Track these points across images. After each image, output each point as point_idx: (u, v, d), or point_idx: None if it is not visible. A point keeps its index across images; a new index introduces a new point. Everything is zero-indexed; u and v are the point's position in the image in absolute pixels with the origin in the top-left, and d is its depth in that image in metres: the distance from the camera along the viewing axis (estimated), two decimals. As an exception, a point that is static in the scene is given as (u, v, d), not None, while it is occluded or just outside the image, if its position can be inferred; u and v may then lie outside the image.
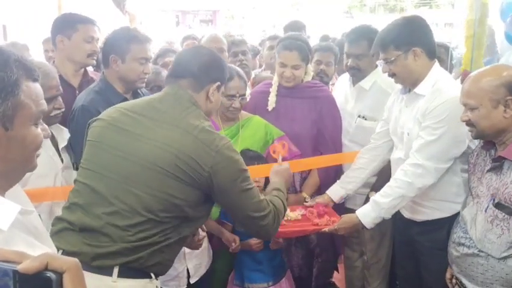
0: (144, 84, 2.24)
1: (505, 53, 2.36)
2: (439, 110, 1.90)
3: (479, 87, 1.66)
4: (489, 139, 1.76)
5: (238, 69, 2.40)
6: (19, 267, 0.60)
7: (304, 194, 2.48)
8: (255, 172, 2.24)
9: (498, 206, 1.66)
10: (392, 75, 2.05)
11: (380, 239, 2.63)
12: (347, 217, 2.15)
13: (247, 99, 2.40)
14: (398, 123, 2.16)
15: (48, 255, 0.62)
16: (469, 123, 1.73)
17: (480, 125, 1.69)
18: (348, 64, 2.51)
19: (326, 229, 2.11)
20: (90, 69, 2.66)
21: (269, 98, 2.52)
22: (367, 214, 2.05)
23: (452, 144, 1.94)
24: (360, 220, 2.06)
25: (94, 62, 2.48)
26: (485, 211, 1.71)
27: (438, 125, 1.90)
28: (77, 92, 2.37)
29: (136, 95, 2.26)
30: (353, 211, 2.18)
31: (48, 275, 0.60)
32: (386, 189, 2.04)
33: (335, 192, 2.38)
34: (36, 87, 0.94)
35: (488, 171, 1.74)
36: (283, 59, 2.43)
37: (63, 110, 2.03)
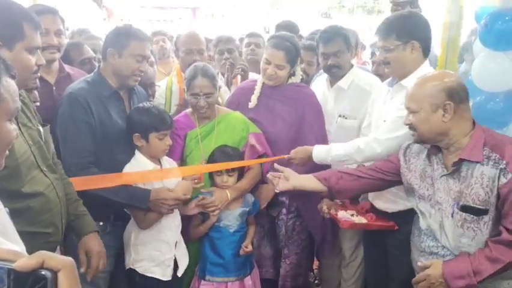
0: (137, 82, 2.19)
1: (479, 54, 2.41)
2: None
3: (421, 91, 1.71)
4: (429, 143, 1.79)
5: (208, 67, 2.35)
6: (15, 265, 0.59)
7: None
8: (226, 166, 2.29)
9: (464, 208, 1.67)
10: (387, 63, 2.11)
11: (359, 238, 2.66)
12: (303, 148, 2.29)
13: (219, 97, 2.39)
14: (381, 114, 2.21)
15: (44, 254, 0.62)
16: (411, 127, 1.76)
17: (420, 128, 1.72)
18: (329, 63, 2.52)
19: (285, 156, 2.30)
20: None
21: (252, 96, 2.52)
22: (320, 152, 2.25)
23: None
24: (312, 154, 2.24)
25: (55, 56, 2.30)
26: (452, 216, 1.72)
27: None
28: (54, 88, 2.30)
29: (131, 91, 2.25)
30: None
31: (43, 273, 0.60)
32: (346, 144, 2.20)
33: None
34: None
35: (443, 176, 1.75)
36: (268, 56, 2.42)
37: (37, 103, 1.99)
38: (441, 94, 1.66)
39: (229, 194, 2.29)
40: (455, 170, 1.71)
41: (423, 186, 1.84)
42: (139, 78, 2.17)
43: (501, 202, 1.61)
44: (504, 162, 1.60)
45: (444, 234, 1.77)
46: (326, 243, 2.67)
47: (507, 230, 1.61)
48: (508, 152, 1.61)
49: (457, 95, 1.67)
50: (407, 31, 2.05)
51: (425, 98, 1.69)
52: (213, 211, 2.26)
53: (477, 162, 1.64)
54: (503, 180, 1.59)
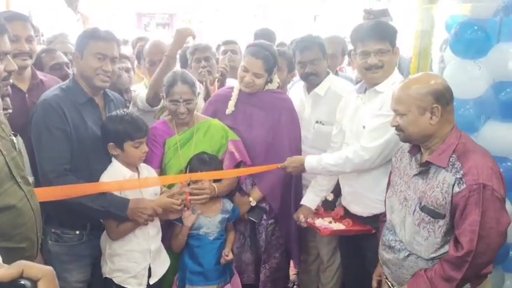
0: (106, 84, 2.11)
1: (450, 62, 2.48)
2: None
3: (407, 94, 1.71)
4: (416, 143, 1.82)
5: (187, 74, 2.34)
6: None
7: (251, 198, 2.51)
8: (208, 176, 2.27)
9: (424, 209, 1.71)
10: (380, 66, 2.14)
11: (336, 243, 2.70)
12: (296, 158, 2.36)
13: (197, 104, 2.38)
14: (354, 120, 2.25)
15: (23, 264, 0.62)
16: (398, 128, 1.79)
17: (408, 130, 1.74)
18: (306, 71, 2.56)
19: (278, 165, 2.36)
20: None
21: (229, 103, 2.53)
22: (311, 162, 2.29)
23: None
24: (304, 163, 2.30)
25: (27, 62, 2.23)
26: (413, 214, 1.77)
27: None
28: (27, 95, 2.27)
29: (106, 97, 2.20)
30: None
31: (23, 282, 0.60)
32: (334, 154, 2.27)
33: (311, 201, 2.48)
34: None
35: (415, 175, 1.80)
36: (247, 64, 2.44)
37: (10, 111, 1.96)
38: (428, 97, 1.67)
39: (216, 188, 2.29)
40: (424, 170, 1.75)
41: (400, 182, 1.88)
42: (107, 79, 2.09)
43: (453, 210, 1.64)
44: (462, 172, 1.62)
45: (404, 229, 1.82)
46: (297, 250, 2.72)
47: (456, 242, 1.65)
48: (469, 163, 1.63)
49: (444, 98, 1.69)
50: (394, 37, 2.16)
51: (412, 101, 1.70)
52: (202, 198, 2.24)
53: (442, 167, 1.69)
54: (457, 189, 1.61)
